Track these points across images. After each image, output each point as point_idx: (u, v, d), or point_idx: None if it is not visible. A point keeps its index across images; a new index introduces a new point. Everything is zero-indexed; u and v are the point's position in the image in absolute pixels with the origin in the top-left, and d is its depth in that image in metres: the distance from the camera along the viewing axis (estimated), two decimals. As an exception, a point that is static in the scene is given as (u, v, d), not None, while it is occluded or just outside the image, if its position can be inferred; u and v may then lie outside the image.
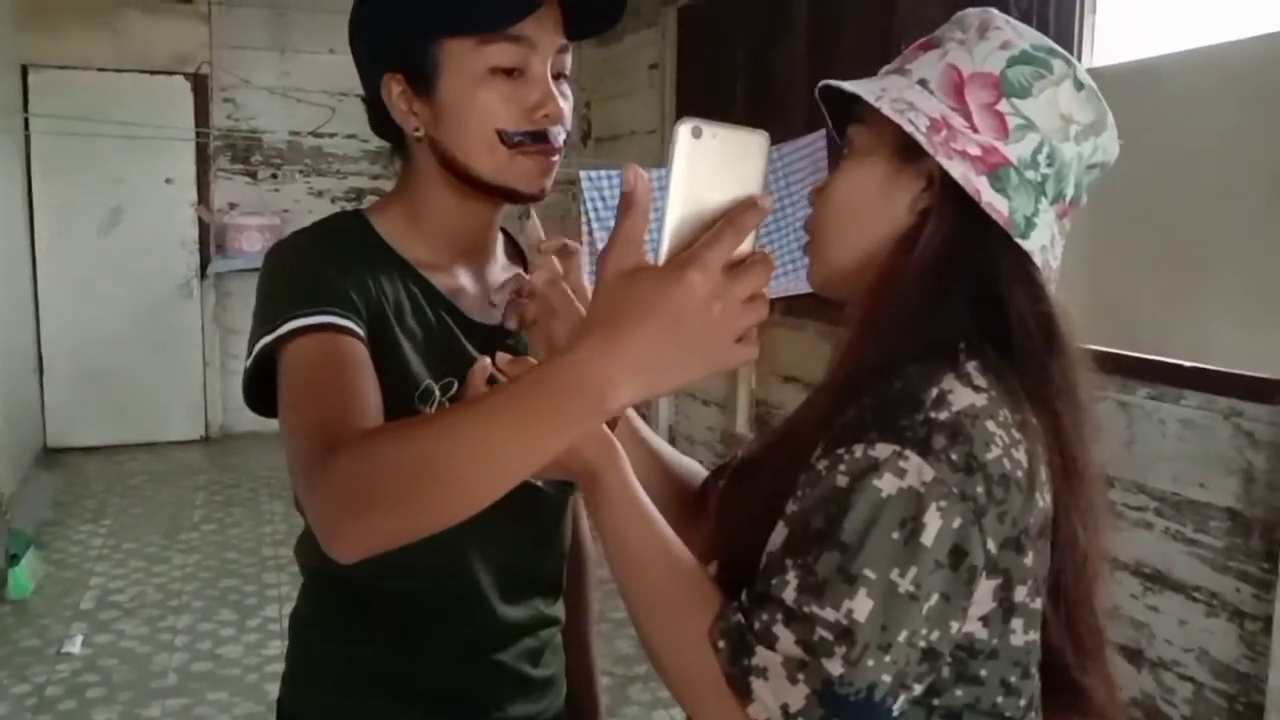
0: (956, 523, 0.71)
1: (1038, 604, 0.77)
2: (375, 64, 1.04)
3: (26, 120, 5.73)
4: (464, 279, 1.11)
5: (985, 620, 0.75)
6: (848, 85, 0.84)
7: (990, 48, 0.84)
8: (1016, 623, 0.76)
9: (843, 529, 0.71)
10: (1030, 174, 0.81)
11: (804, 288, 0.98)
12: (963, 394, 0.75)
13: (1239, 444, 2.71)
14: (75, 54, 5.89)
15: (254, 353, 0.96)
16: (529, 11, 0.96)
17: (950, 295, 0.80)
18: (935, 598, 0.71)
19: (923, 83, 0.84)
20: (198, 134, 6.20)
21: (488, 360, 0.86)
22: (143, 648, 3.58)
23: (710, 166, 0.65)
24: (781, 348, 4.92)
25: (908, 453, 0.71)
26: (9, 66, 5.61)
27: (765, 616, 0.73)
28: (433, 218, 1.08)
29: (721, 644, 0.75)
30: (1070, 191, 0.84)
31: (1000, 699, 0.77)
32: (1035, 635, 0.80)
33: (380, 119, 1.07)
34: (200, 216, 6.27)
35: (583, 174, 4.07)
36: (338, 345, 0.93)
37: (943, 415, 0.73)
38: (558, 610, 1.15)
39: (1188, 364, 2.78)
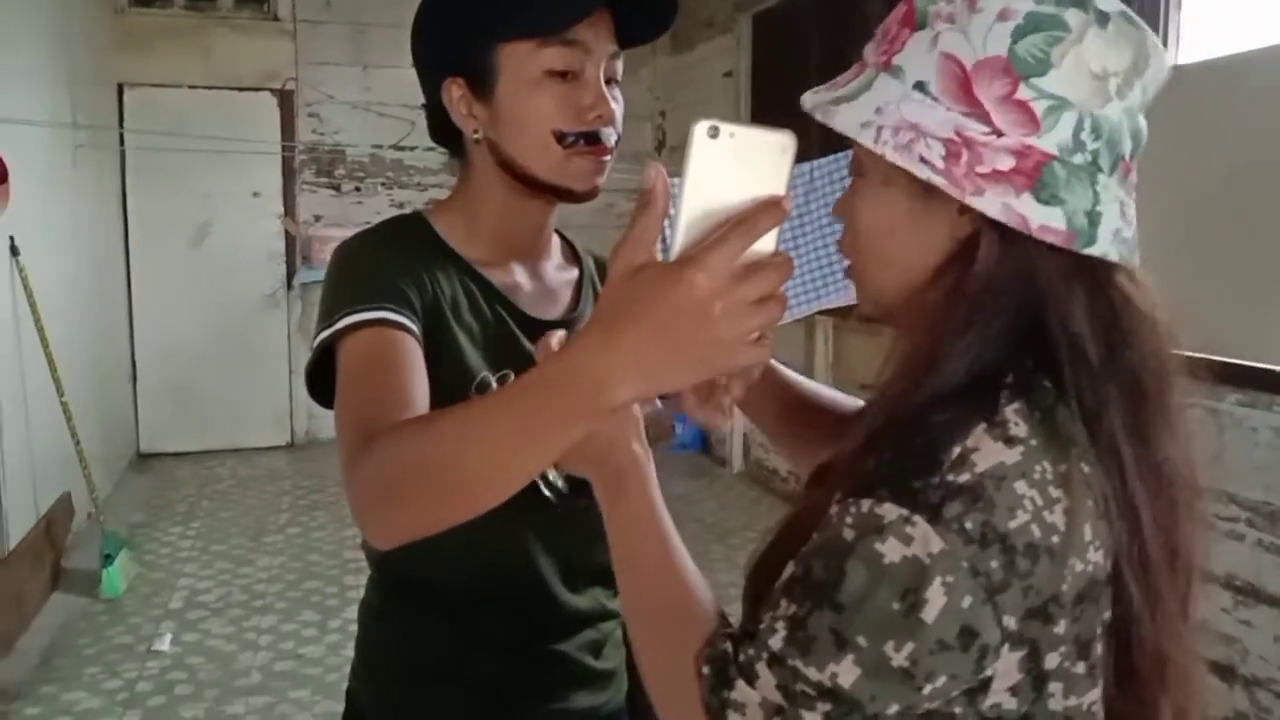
0: (966, 601, 0.65)
1: (1081, 667, 0.70)
2: (436, 69, 1.07)
3: (122, 135, 5.96)
4: (520, 276, 1.14)
5: (1014, 690, 0.69)
6: (835, 121, 0.74)
7: (987, 23, 0.70)
8: (1054, 687, 0.69)
9: (840, 589, 0.67)
10: (1078, 158, 0.70)
11: (839, 300, 0.95)
12: (991, 450, 0.67)
13: (1335, 452, 2.60)
14: (167, 72, 6.11)
15: (314, 346, 1.00)
16: (584, 14, 1.00)
17: (994, 327, 0.72)
18: (942, 679, 0.66)
19: (920, 87, 0.72)
20: (283, 148, 6.37)
21: (562, 332, 0.85)
22: (228, 646, 3.68)
23: (728, 166, 0.64)
24: (857, 355, 4.87)
25: (916, 519, 0.65)
26: (106, 85, 5.85)
27: (751, 652, 0.70)
28: (489, 217, 1.11)
29: (705, 670, 0.73)
30: (1128, 147, 0.73)
31: None
32: (1081, 699, 0.72)
33: (439, 124, 1.11)
34: (286, 229, 6.44)
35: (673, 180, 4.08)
36: (389, 339, 0.97)
37: (962, 478, 0.66)
38: (616, 604, 1.16)
39: (1279, 369, 2.68)
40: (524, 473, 0.72)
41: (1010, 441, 0.68)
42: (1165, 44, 3.08)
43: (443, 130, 1.11)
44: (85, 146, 5.15)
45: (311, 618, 3.92)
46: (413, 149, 6.62)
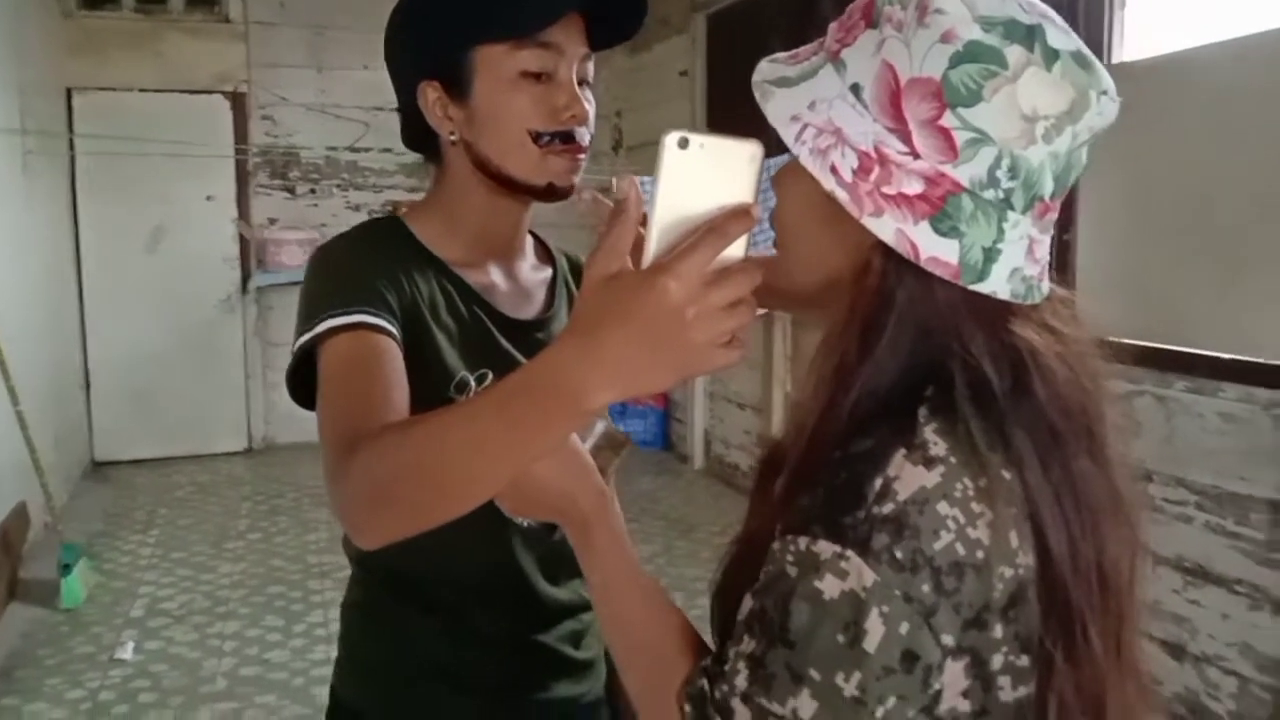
0: (904, 627, 0.67)
1: (1025, 660, 0.71)
2: (411, 73, 1.09)
3: (72, 141, 5.88)
4: (496, 276, 1.16)
5: (965, 693, 0.70)
6: (768, 106, 0.74)
7: (929, 41, 0.68)
8: (1002, 681, 0.71)
9: (789, 626, 0.69)
10: (989, 194, 0.69)
11: None
12: (911, 477, 0.68)
13: (1279, 436, 2.69)
14: (118, 75, 6.03)
15: (294, 350, 1.02)
16: (557, 17, 1.03)
17: (901, 346, 0.72)
18: (892, 701, 0.68)
19: (855, 90, 0.71)
20: (237, 151, 6.32)
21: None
22: (192, 653, 3.65)
23: (697, 176, 0.66)
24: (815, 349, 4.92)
25: (849, 554, 0.67)
26: (54, 90, 5.76)
27: (725, 688, 0.72)
28: (466, 218, 1.13)
29: (687, 708, 0.75)
30: (1049, 189, 0.71)
31: None
32: (1031, 687, 0.72)
33: (413, 127, 1.13)
34: (241, 232, 6.38)
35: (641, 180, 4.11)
36: (370, 343, 0.99)
37: (886, 509, 0.67)
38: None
39: (1226, 356, 2.77)
40: (508, 471, 0.75)
41: (930, 463, 0.69)
42: (1110, 41, 3.17)
43: (417, 133, 1.13)
44: (34, 153, 5.07)
45: (276, 623, 3.89)
46: (368, 150, 6.60)
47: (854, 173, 0.69)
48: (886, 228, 0.69)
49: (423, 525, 0.79)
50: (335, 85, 6.46)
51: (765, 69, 0.77)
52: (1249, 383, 2.74)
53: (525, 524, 1.11)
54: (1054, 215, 0.74)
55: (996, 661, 0.70)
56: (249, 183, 6.45)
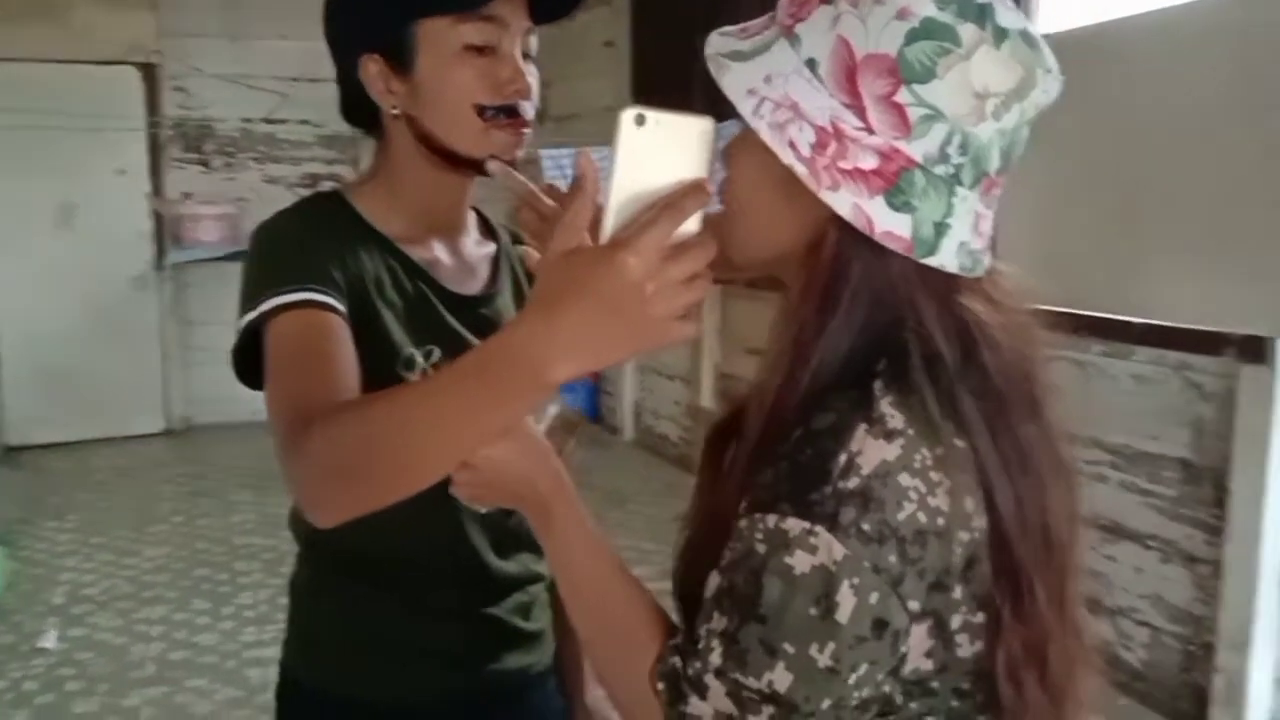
0: (873, 597, 0.69)
1: (980, 616, 0.74)
2: (352, 46, 1.08)
3: (-27, 114, 5.65)
4: (439, 251, 1.16)
5: (928, 653, 0.73)
6: (724, 79, 0.74)
7: (886, 17, 0.70)
8: (961, 639, 0.74)
9: (761, 602, 0.70)
10: (940, 169, 0.71)
11: None
12: (873, 450, 0.70)
13: (1189, 396, 2.81)
14: (22, 46, 5.77)
15: (238, 330, 1.00)
16: None
17: (856, 317, 0.74)
18: (864, 667, 0.71)
19: (811, 65, 0.72)
20: (149, 123, 6.14)
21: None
22: (118, 639, 3.58)
23: (654, 152, 0.67)
24: (743, 320, 4.98)
25: (818, 529, 0.69)
26: (-47, 60, 5.52)
27: (698, 664, 0.73)
28: (409, 193, 1.12)
29: (661, 685, 0.76)
30: (996, 165, 0.74)
31: (955, 703, 0.76)
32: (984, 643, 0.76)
33: (353, 101, 1.11)
34: (155, 208, 6.20)
35: (543, 152, 4.09)
36: (318, 320, 0.98)
37: (851, 484, 0.69)
38: (543, 567, 1.20)
39: (1138, 321, 2.87)
40: (469, 446, 0.76)
41: (890, 436, 0.70)
42: (1028, 15, 3.25)
43: (356, 107, 1.12)
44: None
45: (203, 605, 3.83)
46: (284, 122, 6.46)
47: (811, 147, 0.70)
48: (843, 202, 0.70)
49: (383, 501, 0.79)
50: (250, 55, 6.29)
51: (717, 42, 0.77)
52: (1160, 345, 2.85)
53: (483, 511, 1.11)
54: (999, 191, 0.76)
55: (956, 621, 0.73)
56: (162, 156, 6.27)
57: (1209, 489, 2.76)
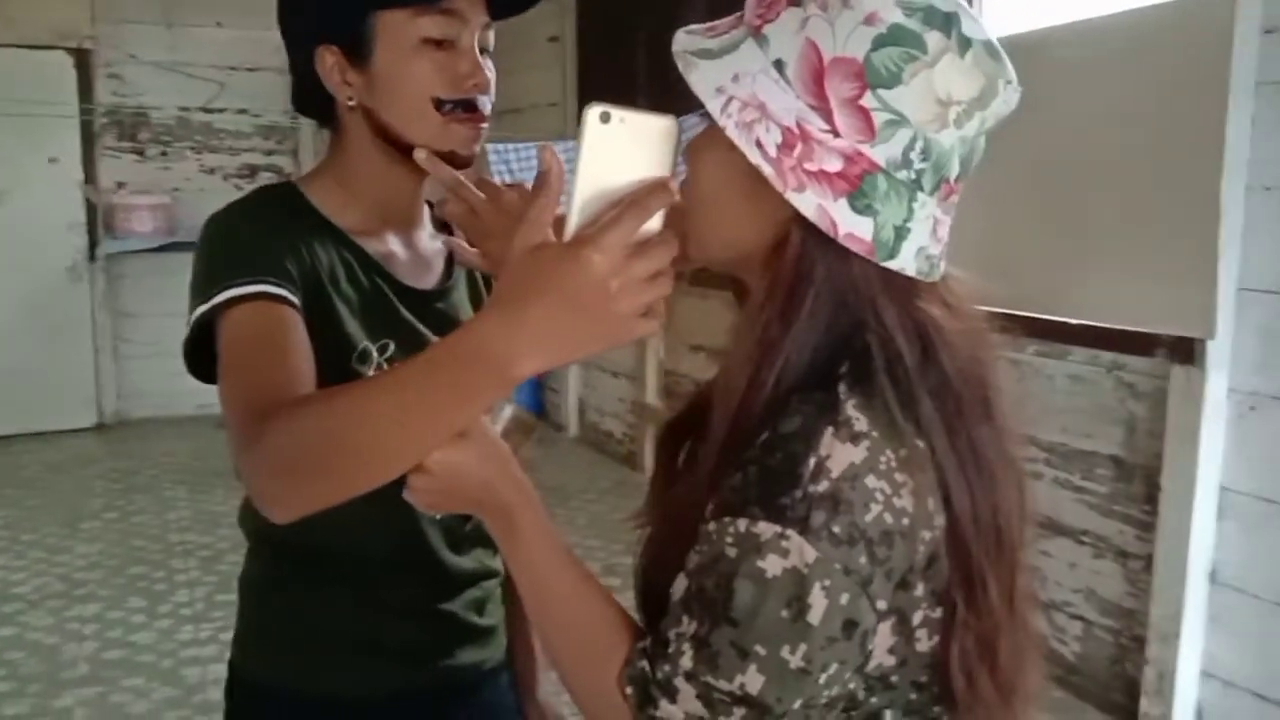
0: (844, 599, 0.70)
1: (939, 612, 0.75)
2: (308, 36, 1.07)
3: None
4: (394, 245, 1.15)
5: (891, 649, 0.75)
6: (692, 77, 0.74)
7: (854, 21, 0.71)
8: (920, 634, 0.75)
9: (733, 605, 0.71)
10: (902, 174, 0.72)
11: None
12: (841, 454, 0.71)
13: (1121, 395, 2.88)
14: (-53, 28, 5.62)
15: (190, 322, 0.99)
16: None
17: (820, 318, 0.75)
18: (834, 667, 0.72)
19: (779, 66, 0.72)
20: (82, 111, 5.98)
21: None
22: (50, 639, 3.49)
23: (618, 150, 0.68)
24: (688, 317, 4.99)
25: (789, 533, 0.69)
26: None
27: (668, 668, 0.73)
28: (364, 186, 1.12)
29: (629, 690, 0.76)
30: (955, 171, 0.75)
31: (913, 696, 0.78)
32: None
33: (307, 92, 1.10)
34: (88, 197, 6.05)
35: (489, 147, 4.07)
36: (271, 313, 0.97)
37: (821, 487, 0.70)
38: (497, 563, 1.20)
39: (1074, 322, 2.94)
40: (432, 442, 0.75)
41: (856, 439, 0.71)
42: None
43: (310, 98, 1.11)
44: None
45: (139, 604, 3.74)
46: (222, 112, 6.35)
47: (778, 148, 0.71)
48: (809, 203, 0.71)
49: (343, 496, 0.78)
50: (187, 43, 6.17)
51: (684, 40, 0.77)
52: (1095, 346, 2.93)
53: (438, 517, 1.10)
54: (956, 198, 0.77)
55: (917, 617, 0.75)
56: (95, 144, 6.12)
57: (1140, 486, 2.84)
